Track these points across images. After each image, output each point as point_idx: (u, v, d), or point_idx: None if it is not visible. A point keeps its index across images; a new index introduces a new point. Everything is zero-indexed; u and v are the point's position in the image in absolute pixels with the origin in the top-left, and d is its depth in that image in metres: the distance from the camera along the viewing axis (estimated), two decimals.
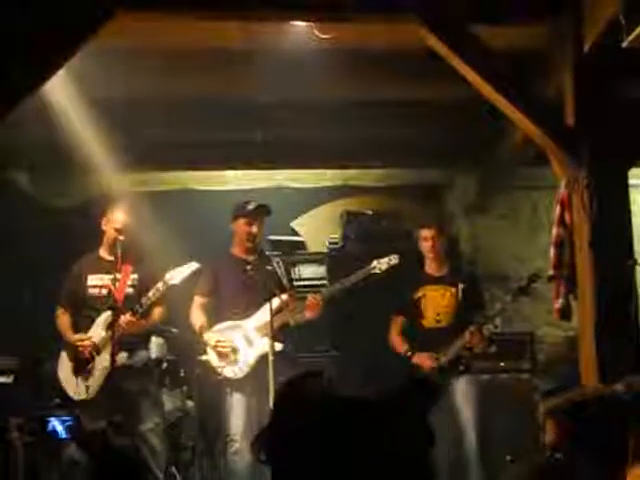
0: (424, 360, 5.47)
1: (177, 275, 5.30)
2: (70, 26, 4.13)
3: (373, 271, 5.45)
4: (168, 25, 4.61)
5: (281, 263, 5.41)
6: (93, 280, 5.53)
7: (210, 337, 5.31)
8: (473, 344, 5.39)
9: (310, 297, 5.33)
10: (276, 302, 5.07)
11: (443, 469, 5.37)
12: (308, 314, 5.31)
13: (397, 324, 5.73)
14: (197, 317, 5.44)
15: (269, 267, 5.20)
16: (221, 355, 5.25)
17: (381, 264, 5.46)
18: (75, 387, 5.33)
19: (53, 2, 4.11)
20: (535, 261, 6.66)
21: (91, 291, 5.51)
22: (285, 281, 5.31)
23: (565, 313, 4.62)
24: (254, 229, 5.41)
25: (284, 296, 5.16)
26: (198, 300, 5.50)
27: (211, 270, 5.49)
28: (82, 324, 5.50)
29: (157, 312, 5.57)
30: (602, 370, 4.24)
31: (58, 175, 7.00)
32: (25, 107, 4.30)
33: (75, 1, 4.12)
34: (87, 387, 5.29)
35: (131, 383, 5.33)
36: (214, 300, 5.48)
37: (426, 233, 5.69)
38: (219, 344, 5.25)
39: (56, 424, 3.05)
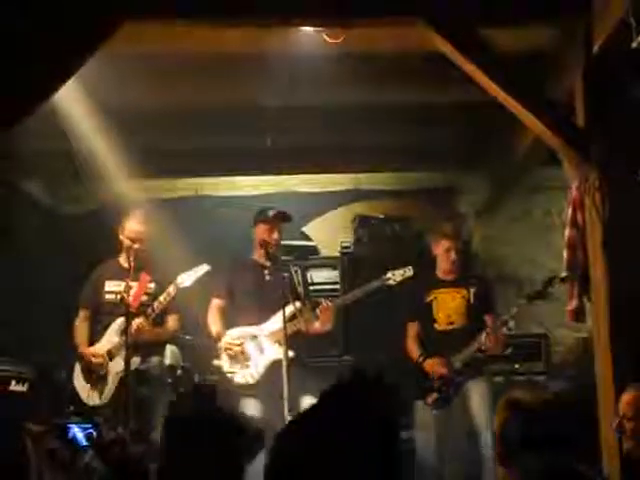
0: (435, 366, 5.46)
1: (187, 278, 5.33)
2: (78, 35, 4.15)
3: (387, 282, 5.46)
4: (177, 32, 4.62)
5: (299, 271, 5.43)
6: (111, 286, 5.57)
7: (222, 341, 5.33)
8: (489, 346, 5.38)
9: (323, 304, 5.32)
10: (290, 309, 5.07)
11: (459, 471, 5.38)
12: (321, 325, 5.31)
13: (412, 330, 5.73)
14: (214, 322, 5.47)
15: (286, 274, 5.21)
16: (232, 360, 5.26)
17: (395, 276, 5.46)
18: (88, 393, 5.36)
19: (62, 11, 4.13)
20: (548, 263, 6.63)
21: (108, 297, 5.56)
22: (301, 289, 5.32)
23: (579, 314, 4.60)
24: (275, 235, 5.43)
25: (298, 304, 5.16)
26: (215, 302, 5.53)
27: (229, 272, 5.55)
28: (98, 330, 5.53)
29: (172, 320, 5.60)
30: (617, 371, 4.22)
31: (71, 183, 7.04)
32: (37, 116, 4.33)
33: (83, 9, 4.14)
34: (100, 393, 5.32)
35: (144, 389, 5.35)
36: (230, 302, 5.50)
37: (447, 244, 5.67)
38: (229, 346, 5.27)
39: (76, 431, 3.05)
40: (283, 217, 5.52)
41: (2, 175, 6.23)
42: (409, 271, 5.49)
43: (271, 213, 5.46)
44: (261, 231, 5.47)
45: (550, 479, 2.40)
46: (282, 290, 5.06)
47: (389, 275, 5.47)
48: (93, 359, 5.40)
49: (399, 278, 5.46)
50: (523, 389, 3.56)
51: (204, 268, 5.39)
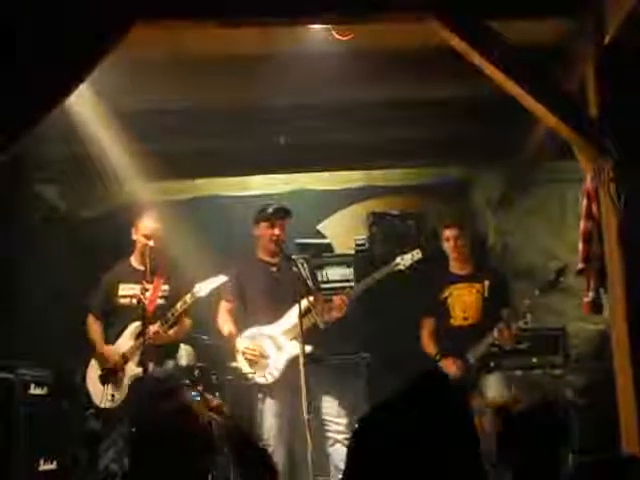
0: (449, 366, 5.46)
1: (205, 288, 5.32)
2: (90, 38, 4.16)
3: (397, 267, 5.46)
4: (187, 33, 4.65)
5: (305, 265, 5.40)
6: (124, 290, 5.59)
7: (239, 344, 5.33)
8: (502, 341, 5.37)
9: (336, 298, 5.33)
10: (303, 304, 5.07)
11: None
12: (335, 314, 5.31)
13: (428, 326, 5.73)
14: (225, 323, 5.46)
15: (294, 269, 5.19)
16: (251, 362, 5.27)
17: (405, 260, 5.46)
18: (101, 395, 5.39)
19: (73, 14, 4.14)
20: (564, 255, 6.59)
21: (122, 300, 5.58)
22: (310, 282, 5.30)
23: (596, 307, 4.58)
24: (276, 231, 5.42)
25: (311, 298, 5.15)
26: (224, 305, 5.52)
27: (236, 275, 5.51)
28: (112, 333, 5.55)
29: (187, 323, 5.62)
30: (636, 364, 4.20)
31: (86, 187, 7.05)
32: (50, 121, 4.35)
33: (94, 13, 4.15)
34: (113, 396, 5.35)
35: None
36: (241, 304, 5.50)
37: (448, 233, 5.69)
38: (248, 351, 5.27)
39: None
40: (283, 213, 5.49)
41: (18, 179, 6.26)
42: (418, 254, 5.48)
43: (270, 210, 5.45)
44: (263, 229, 5.47)
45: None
46: (294, 286, 5.06)
47: (398, 260, 5.47)
48: (110, 356, 5.42)
49: (409, 262, 5.46)
50: None
51: (221, 279, 5.37)
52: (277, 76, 5.29)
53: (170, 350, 5.63)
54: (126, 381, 5.39)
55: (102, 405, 5.40)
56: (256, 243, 5.56)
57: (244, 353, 5.29)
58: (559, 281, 5.37)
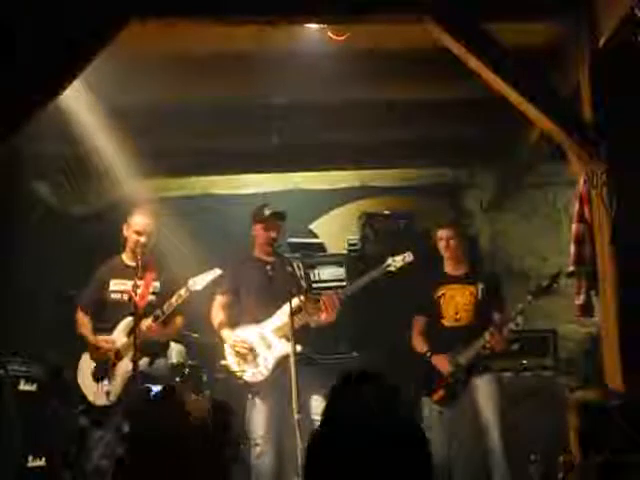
0: (441, 362, 5.47)
1: (200, 281, 5.31)
2: (85, 34, 4.16)
3: (388, 269, 5.45)
4: (182, 31, 4.64)
5: (300, 265, 5.42)
6: (115, 285, 5.57)
7: (228, 336, 5.34)
8: (493, 345, 5.37)
9: (326, 298, 5.31)
10: (295, 303, 5.05)
11: (467, 469, 5.37)
12: (324, 316, 5.30)
13: (418, 324, 5.75)
14: (216, 314, 5.47)
15: (289, 269, 5.19)
16: (240, 358, 5.27)
17: (396, 262, 5.46)
18: (95, 392, 5.36)
19: (67, 10, 4.14)
20: (556, 258, 6.62)
21: (113, 296, 5.55)
22: (304, 283, 5.30)
23: (587, 309, 4.60)
24: (271, 234, 5.45)
25: (302, 297, 5.15)
26: (219, 299, 5.53)
27: (232, 270, 5.52)
28: (103, 329, 5.53)
29: (179, 321, 5.61)
30: (625, 366, 4.21)
31: (79, 184, 7.05)
32: (44, 118, 4.34)
33: (89, 9, 4.15)
34: (107, 393, 5.33)
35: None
36: (234, 300, 5.50)
37: (442, 233, 5.70)
38: (237, 344, 5.27)
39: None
40: (278, 216, 5.50)
41: (12, 176, 6.25)
42: (409, 257, 5.48)
43: (267, 212, 5.46)
44: (258, 229, 5.50)
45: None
46: (288, 285, 5.05)
47: (389, 262, 5.47)
48: (103, 346, 5.40)
49: (399, 264, 5.46)
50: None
51: (216, 272, 5.38)
52: (272, 75, 5.29)
53: (161, 348, 5.63)
54: (119, 378, 5.36)
55: (97, 403, 5.36)
56: (252, 242, 5.59)
57: (234, 346, 5.29)
58: (553, 287, 5.36)
